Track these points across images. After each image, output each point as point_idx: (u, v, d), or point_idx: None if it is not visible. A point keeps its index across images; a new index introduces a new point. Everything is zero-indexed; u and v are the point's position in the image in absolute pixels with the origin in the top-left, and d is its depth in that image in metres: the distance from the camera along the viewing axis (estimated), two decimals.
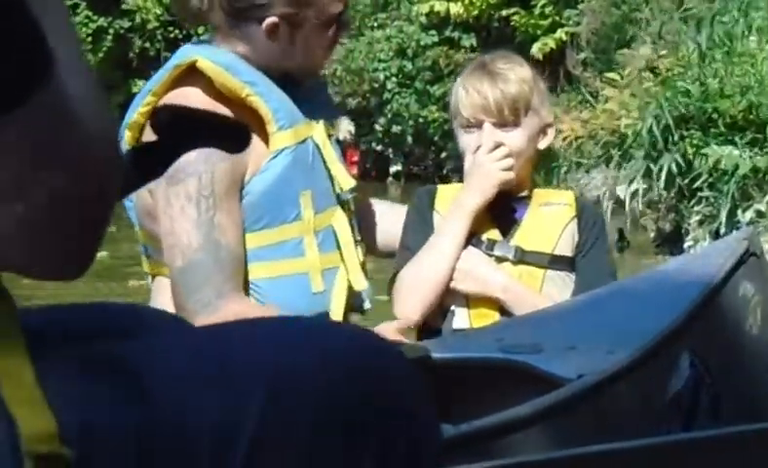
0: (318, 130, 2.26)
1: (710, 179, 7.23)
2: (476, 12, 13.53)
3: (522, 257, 2.36)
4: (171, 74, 2.20)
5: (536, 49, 12.72)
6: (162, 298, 2.22)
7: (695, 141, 7.44)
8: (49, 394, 0.93)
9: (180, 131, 1.19)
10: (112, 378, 0.99)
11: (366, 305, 2.33)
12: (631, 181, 8.06)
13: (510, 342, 1.97)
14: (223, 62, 2.19)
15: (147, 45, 18.14)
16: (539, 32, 13.05)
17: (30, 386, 0.92)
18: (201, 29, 2.72)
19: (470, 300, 2.36)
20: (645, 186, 7.91)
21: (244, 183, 2.18)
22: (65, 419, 0.93)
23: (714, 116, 7.43)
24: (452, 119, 2.48)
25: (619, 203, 8.46)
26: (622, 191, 8.32)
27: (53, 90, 0.86)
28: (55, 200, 0.90)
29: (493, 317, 2.33)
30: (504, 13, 13.44)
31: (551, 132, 2.47)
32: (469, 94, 2.39)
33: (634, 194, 8.03)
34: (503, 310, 2.33)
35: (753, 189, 7.00)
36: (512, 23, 13.41)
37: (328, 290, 2.25)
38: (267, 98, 2.20)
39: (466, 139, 2.42)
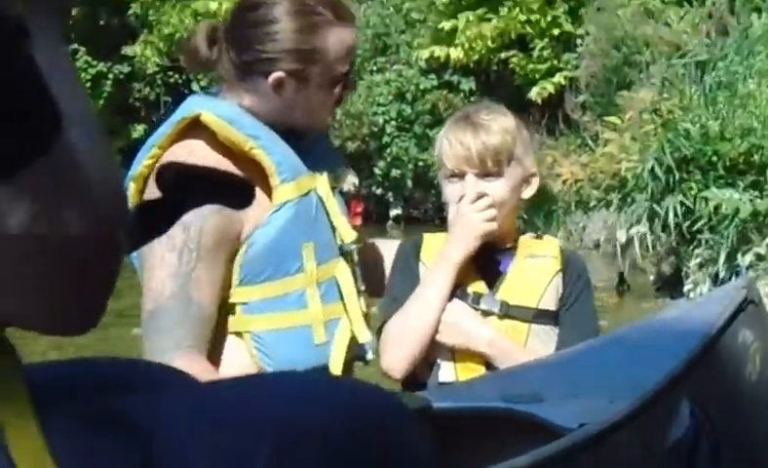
0: (321, 182, 2.27)
1: (711, 223, 7.22)
2: (476, 56, 13.52)
3: (508, 312, 2.35)
4: (175, 127, 2.22)
5: (535, 93, 12.73)
6: None
7: (696, 184, 7.43)
8: (52, 447, 0.93)
9: (184, 188, 1.20)
10: (113, 432, 1.00)
11: (369, 356, 2.33)
12: (632, 225, 8.05)
13: (511, 391, 1.97)
14: (227, 116, 2.20)
15: (147, 90, 18.20)
16: (537, 76, 13.06)
17: (35, 439, 0.93)
18: (200, 74, 2.73)
19: (455, 354, 2.34)
20: (645, 230, 7.90)
21: (243, 239, 2.19)
22: None
23: (714, 159, 7.42)
24: (437, 169, 2.49)
25: (619, 246, 8.45)
26: (622, 235, 8.31)
27: (57, 144, 0.86)
28: (56, 254, 0.90)
29: (479, 371, 2.32)
30: (503, 55, 13.43)
31: (534, 181, 2.46)
32: (452, 145, 2.39)
33: (636, 237, 8.02)
34: (489, 364, 2.32)
35: (753, 233, 6.99)
36: (510, 67, 13.41)
37: (331, 341, 2.24)
38: (270, 152, 2.21)
39: (450, 190, 2.43)
